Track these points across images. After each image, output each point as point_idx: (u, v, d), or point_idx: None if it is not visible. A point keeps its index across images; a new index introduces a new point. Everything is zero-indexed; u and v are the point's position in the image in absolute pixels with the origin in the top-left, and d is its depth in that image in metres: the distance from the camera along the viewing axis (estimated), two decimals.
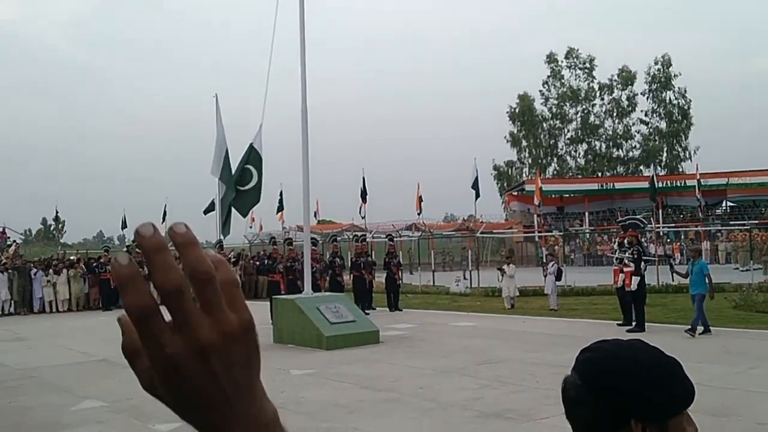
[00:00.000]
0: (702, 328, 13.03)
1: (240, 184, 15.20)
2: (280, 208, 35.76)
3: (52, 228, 64.39)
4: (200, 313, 0.50)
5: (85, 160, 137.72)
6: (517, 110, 60.49)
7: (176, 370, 0.50)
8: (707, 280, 13.33)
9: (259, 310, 17.56)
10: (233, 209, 15.43)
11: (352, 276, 20.76)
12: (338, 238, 24.64)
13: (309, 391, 9.15)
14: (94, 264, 25.04)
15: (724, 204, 49.61)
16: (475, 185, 31.18)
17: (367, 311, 17.16)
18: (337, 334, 12.89)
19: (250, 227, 38.05)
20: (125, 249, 28.38)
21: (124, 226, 39.28)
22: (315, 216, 38.88)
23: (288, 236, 26.90)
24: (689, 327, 13.01)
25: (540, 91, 60.94)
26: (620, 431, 1.21)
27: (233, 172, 15.08)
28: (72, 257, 30.19)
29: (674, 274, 13.89)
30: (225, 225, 15.64)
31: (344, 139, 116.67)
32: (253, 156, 15.14)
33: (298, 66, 14.45)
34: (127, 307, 0.49)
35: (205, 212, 27.90)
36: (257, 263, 27.09)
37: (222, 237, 16.49)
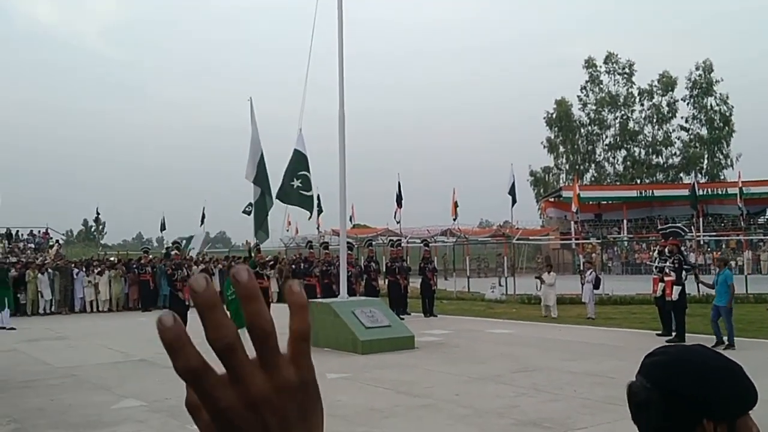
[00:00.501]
0: (717, 340, 12.71)
1: (304, 190, 15.30)
2: (320, 211, 35.96)
3: (92, 229, 65.69)
4: (255, 367, 0.50)
5: (126, 165, 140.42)
6: (554, 116, 59.98)
7: (231, 423, 0.50)
8: (731, 291, 12.99)
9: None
10: (305, 210, 15.82)
11: (387, 281, 20.77)
12: (373, 243, 24.68)
13: (345, 395, 9.17)
14: (134, 265, 25.47)
15: (767, 213, 48.46)
16: (512, 191, 30.97)
17: (401, 316, 17.16)
18: (373, 338, 12.91)
19: (287, 231, 38.35)
20: (164, 250, 28.82)
21: (162, 228, 39.88)
22: (350, 220, 39.00)
23: (324, 240, 27.05)
24: (727, 343, 12.66)
25: (578, 96, 60.41)
26: (692, 431, 1.26)
27: (284, 177, 15.21)
28: (112, 258, 30.78)
29: (699, 284, 13.56)
30: (260, 229, 15.70)
31: (382, 146, 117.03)
32: (305, 162, 15.25)
33: (336, 74, 14.57)
34: (176, 369, 0.50)
35: (248, 214, 28.23)
36: (293, 266, 27.30)
37: (258, 241, 16.63)
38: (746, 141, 71.82)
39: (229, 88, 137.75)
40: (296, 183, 15.12)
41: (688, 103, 58.56)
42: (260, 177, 15.42)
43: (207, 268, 26.18)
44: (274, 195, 15.23)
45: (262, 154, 15.48)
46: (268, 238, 16.27)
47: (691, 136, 58.94)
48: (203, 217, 36.83)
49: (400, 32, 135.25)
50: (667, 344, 1.41)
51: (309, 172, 15.27)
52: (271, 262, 27.19)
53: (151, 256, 26.77)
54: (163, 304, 22.39)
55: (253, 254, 17.36)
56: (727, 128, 57.58)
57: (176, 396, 9.25)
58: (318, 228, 37.41)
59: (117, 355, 13.44)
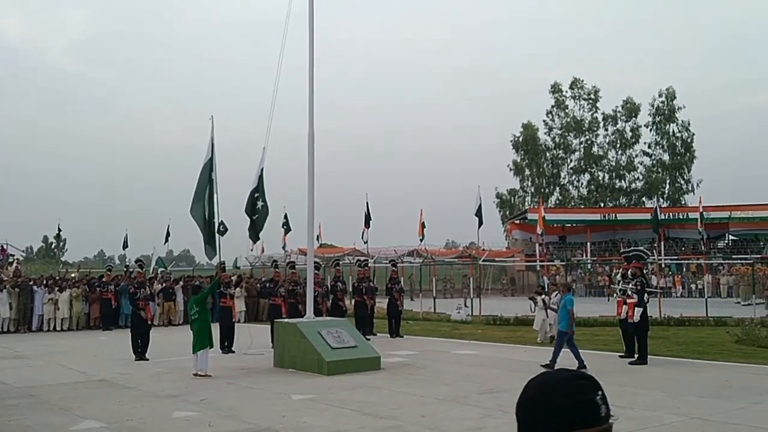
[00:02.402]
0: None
1: (251, 215, 15.32)
2: (288, 230, 35.73)
3: (53, 246, 64.35)
4: None
5: (87, 183, 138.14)
6: (520, 139, 60.81)
7: None
8: (570, 316, 13.07)
9: (261, 333, 17.55)
10: (254, 231, 15.88)
11: (353, 301, 20.71)
12: (340, 263, 24.63)
13: (310, 417, 9.10)
14: (96, 283, 25.02)
15: (726, 237, 49.56)
16: (479, 213, 31.15)
17: (368, 337, 17.11)
18: (339, 359, 12.84)
19: (251, 250, 38.04)
20: (125, 268, 28.32)
21: (125, 245, 39.25)
22: (317, 240, 38.85)
23: (290, 259, 26.90)
24: (549, 362, 12.61)
25: (544, 120, 61.41)
26: None
27: (254, 196, 15.21)
28: (73, 275, 30.17)
29: (548, 310, 13.55)
30: (209, 245, 15.20)
31: (349, 167, 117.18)
32: (261, 184, 15.25)
33: (306, 91, 14.60)
34: None
35: (221, 234, 27.83)
36: (258, 285, 27.08)
37: (210, 259, 16.32)
38: (707, 167, 73.55)
39: (198, 106, 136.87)
40: (259, 204, 15.17)
41: (651, 129, 59.93)
42: (209, 196, 14.89)
43: (168, 287, 25.83)
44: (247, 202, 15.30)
45: (212, 173, 14.97)
46: (215, 255, 15.81)
47: (654, 162, 60.22)
48: (167, 235, 36.36)
49: (372, 53, 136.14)
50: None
51: (263, 193, 15.37)
52: (236, 281, 26.94)
53: (113, 274, 26.34)
54: (125, 323, 22.00)
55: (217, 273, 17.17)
56: (688, 154, 58.95)
57: (138, 417, 9.08)
58: (284, 247, 37.19)
59: (77, 375, 13.14)
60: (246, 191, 15.67)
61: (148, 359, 14.89)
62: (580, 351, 13.13)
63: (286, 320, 15.19)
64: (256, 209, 15.42)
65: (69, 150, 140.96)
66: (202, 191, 14.64)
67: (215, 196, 14.51)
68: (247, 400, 10.39)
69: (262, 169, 15.47)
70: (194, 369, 12.71)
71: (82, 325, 24.24)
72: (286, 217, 34.53)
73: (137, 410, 9.48)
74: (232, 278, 22.04)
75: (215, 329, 14.66)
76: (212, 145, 15.14)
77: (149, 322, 15.93)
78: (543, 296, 18.15)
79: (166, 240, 36.63)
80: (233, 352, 16.24)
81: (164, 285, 25.94)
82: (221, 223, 16.71)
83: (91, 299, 24.48)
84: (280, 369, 13.45)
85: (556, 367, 12.12)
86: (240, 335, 16.86)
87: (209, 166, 14.73)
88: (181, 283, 26.80)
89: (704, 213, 36.48)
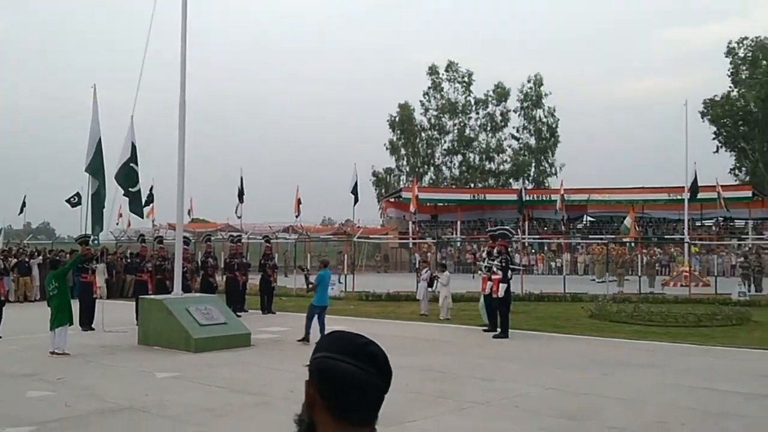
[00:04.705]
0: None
1: (131, 186, 14.62)
2: (149, 201, 34.38)
3: None
4: None
5: None
6: (397, 119, 61.65)
7: None
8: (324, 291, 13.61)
9: (125, 310, 16.83)
10: (134, 212, 15.65)
11: (225, 277, 20.31)
12: (212, 238, 24.01)
13: (174, 394, 8.84)
14: None
15: (584, 219, 52.77)
16: (354, 190, 31.44)
17: (239, 313, 16.86)
18: (207, 336, 12.56)
19: (117, 224, 36.35)
20: None
21: None
22: (189, 214, 37.74)
23: (158, 234, 25.97)
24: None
25: (420, 101, 62.53)
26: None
27: (118, 171, 14.48)
28: None
29: (308, 284, 14.23)
30: (98, 222, 14.91)
31: (223, 136, 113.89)
32: (134, 154, 14.58)
33: (178, 56, 14.03)
34: None
35: (72, 205, 26.39)
36: (126, 261, 25.94)
37: (96, 235, 15.72)
38: (569, 152, 77.94)
39: (60, 72, 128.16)
40: (122, 176, 14.54)
41: (519, 114, 62.50)
42: (97, 168, 14.60)
43: (21, 261, 24.21)
44: (111, 180, 14.60)
45: (100, 145, 14.61)
46: (102, 231, 15.56)
47: (521, 145, 62.94)
48: (23, 206, 34.04)
49: (252, 23, 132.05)
50: (342, 331, 1.53)
51: (137, 165, 14.72)
52: (98, 256, 25.65)
53: None
54: None
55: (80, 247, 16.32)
56: (553, 139, 62.04)
57: None
58: (153, 221, 35.84)
59: None
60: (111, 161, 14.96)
61: (1, 337, 13.91)
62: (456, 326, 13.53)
63: (152, 296, 14.68)
64: (134, 182, 14.74)
65: None
66: (101, 171, 14.25)
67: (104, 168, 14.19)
68: (108, 379, 9.95)
69: (134, 143, 14.74)
70: (51, 347, 12.02)
71: None
72: (151, 189, 33.26)
73: None
74: (95, 252, 20.96)
75: (75, 306, 13.92)
76: (97, 116, 14.53)
77: (2, 298, 14.95)
78: (447, 273, 18.54)
79: (21, 211, 34.31)
80: (93, 329, 15.50)
81: (19, 259, 24.29)
82: (76, 194, 15.99)
83: None
84: (145, 347, 12.97)
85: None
86: (101, 312, 16.10)
87: (99, 140, 14.28)
88: (40, 258, 25.16)
89: (565, 195, 38.65)
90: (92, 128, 14.74)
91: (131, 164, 14.57)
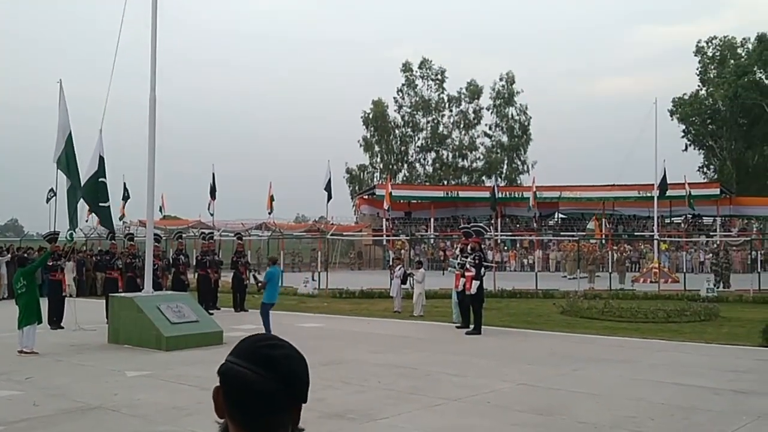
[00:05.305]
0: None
1: (102, 201, 14.41)
2: (126, 197, 33.96)
3: None
4: None
5: None
6: (371, 116, 61.61)
7: None
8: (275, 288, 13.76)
9: (96, 309, 16.59)
10: (105, 227, 15.82)
11: (196, 275, 20.14)
12: (184, 235, 23.78)
13: (145, 393, 8.76)
14: None
15: (556, 216, 53.24)
16: (328, 187, 31.32)
17: (211, 311, 16.73)
18: (179, 334, 12.44)
19: (87, 221, 35.84)
20: None
21: None
22: (160, 211, 37.33)
23: (129, 231, 25.67)
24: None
25: (394, 98, 62.57)
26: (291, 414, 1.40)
27: (85, 184, 14.26)
28: None
29: (257, 283, 14.36)
30: (73, 218, 14.70)
31: (196, 132, 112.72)
32: (102, 167, 14.35)
33: (149, 51, 13.86)
34: None
35: (48, 200, 26.08)
36: (96, 258, 25.58)
37: (73, 229, 15.50)
38: (541, 149, 78.53)
39: (29, 65, 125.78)
40: (98, 193, 14.31)
41: (491, 112, 62.83)
42: (69, 166, 14.33)
43: None
44: (82, 186, 14.37)
45: (70, 138, 14.36)
46: (77, 228, 15.35)
47: (494, 143, 63.29)
48: None
49: (227, 15, 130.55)
50: (255, 334, 1.49)
51: (106, 177, 14.53)
52: (68, 253, 25.26)
53: None
54: None
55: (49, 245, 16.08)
56: (525, 136, 62.48)
57: None
58: (122, 218, 35.40)
59: None
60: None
61: None
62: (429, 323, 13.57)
63: (123, 294, 14.51)
64: (105, 197, 14.55)
65: None
66: (74, 169, 14.07)
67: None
68: (77, 378, 9.82)
69: (102, 156, 14.50)
70: (20, 346, 11.82)
71: None
72: (125, 186, 32.85)
73: None
74: (64, 249, 20.63)
75: (44, 304, 13.70)
76: (65, 110, 14.28)
77: None
78: (422, 270, 18.52)
79: None
80: (62, 327, 15.27)
81: None
82: (50, 190, 15.78)
83: None
84: (115, 345, 12.82)
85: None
86: (72, 311, 15.87)
87: (69, 134, 14.06)
88: (8, 255, 24.69)
89: (537, 192, 38.91)
90: (61, 122, 14.52)
91: (101, 179, 14.36)
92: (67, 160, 14.29)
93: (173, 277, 19.10)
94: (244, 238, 22.66)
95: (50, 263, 15.42)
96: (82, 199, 14.40)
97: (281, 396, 1.35)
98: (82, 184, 14.20)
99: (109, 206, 14.98)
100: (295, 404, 1.39)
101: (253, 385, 1.34)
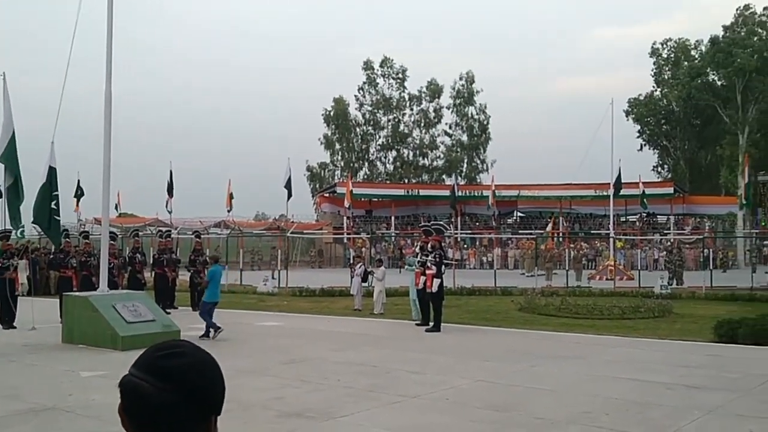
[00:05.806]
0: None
1: (56, 214, 14.06)
2: (80, 194, 33.22)
3: None
4: None
5: None
6: (332, 113, 61.48)
7: None
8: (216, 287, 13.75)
9: (49, 308, 16.22)
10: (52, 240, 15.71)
11: (153, 273, 19.85)
12: (140, 233, 23.42)
13: (100, 394, 8.58)
14: None
15: (514, 214, 53.88)
16: (288, 185, 31.14)
17: (168, 310, 16.53)
18: (135, 334, 12.22)
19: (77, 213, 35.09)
20: None
21: None
22: (116, 208, 36.70)
23: (84, 229, 25.18)
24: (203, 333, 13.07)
25: (355, 96, 62.53)
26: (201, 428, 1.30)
27: (36, 201, 13.92)
28: None
29: (199, 284, 14.36)
30: (15, 216, 14.34)
31: (151, 125, 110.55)
32: (54, 182, 13.98)
33: (104, 49, 13.58)
34: None
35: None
36: (50, 257, 25.00)
37: (15, 228, 15.12)
38: (500, 148, 79.26)
39: None
40: (52, 205, 13.92)
41: (452, 111, 63.26)
42: (11, 161, 14.03)
43: None
44: (25, 190, 14.16)
45: (13, 135, 14.06)
46: (23, 226, 14.95)
47: (454, 141, 63.76)
48: None
49: (180, 5, 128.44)
50: (157, 343, 1.39)
51: (58, 190, 14.19)
52: (21, 252, 24.64)
53: None
54: None
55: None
56: (484, 135, 63.07)
57: None
58: (78, 215, 34.70)
59: None
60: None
61: None
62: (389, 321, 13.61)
63: (77, 293, 14.22)
64: (57, 211, 14.19)
65: None
66: (16, 164, 13.78)
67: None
68: (30, 379, 9.60)
69: (51, 168, 14.09)
70: None
71: None
72: (78, 183, 32.18)
73: None
74: (17, 247, 20.13)
75: None
76: (9, 104, 13.91)
77: None
78: (382, 268, 18.53)
79: None
80: (15, 327, 14.90)
81: None
82: None
83: None
84: (70, 345, 12.56)
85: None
86: (25, 310, 15.50)
87: (12, 133, 13.72)
88: None
89: (496, 191, 39.31)
90: (5, 117, 14.19)
91: (54, 192, 14.00)
92: (8, 155, 13.95)
93: (129, 276, 18.79)
94: (202, 236, 22.39)
95: (2, 262, 15.04)
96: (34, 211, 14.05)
97: (183, 409, 1.25)
98: (35, 197, 13.92)
99: (59, 220, 14.71)
100: (205, 416, 1.29)
101: (150, 399, 1.25)
